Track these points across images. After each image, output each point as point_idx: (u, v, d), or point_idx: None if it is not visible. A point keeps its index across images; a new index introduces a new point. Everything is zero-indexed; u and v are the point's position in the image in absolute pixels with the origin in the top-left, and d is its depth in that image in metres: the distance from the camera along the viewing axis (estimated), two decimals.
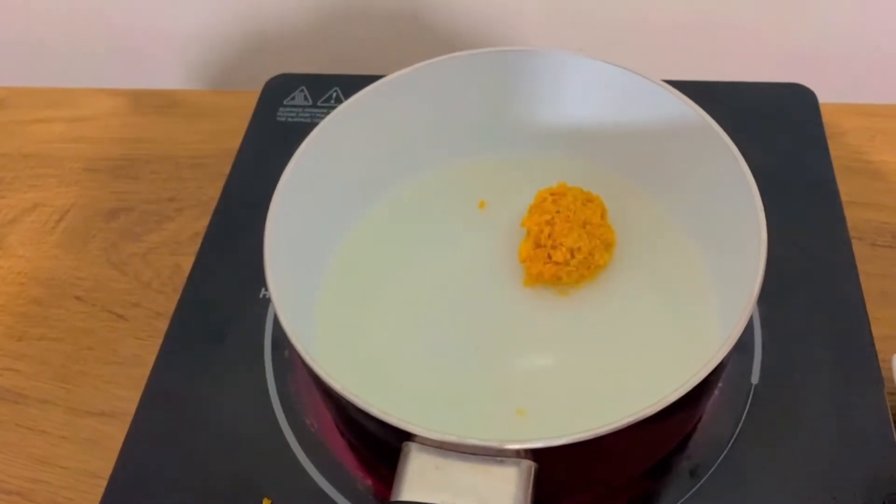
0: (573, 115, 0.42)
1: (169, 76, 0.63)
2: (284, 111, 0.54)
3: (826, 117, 0.51)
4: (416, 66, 0.40)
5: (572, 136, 0.43)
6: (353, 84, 0.54)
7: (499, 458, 0.28)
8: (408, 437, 0.28)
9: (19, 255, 0.53)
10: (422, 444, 0.28)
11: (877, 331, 0.41)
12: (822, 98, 0.52)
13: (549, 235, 0.39)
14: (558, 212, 0.40)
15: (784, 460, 0.36)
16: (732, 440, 0.37)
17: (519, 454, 0.28)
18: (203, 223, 0.53)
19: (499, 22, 0.57)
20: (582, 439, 0.27)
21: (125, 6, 0.59)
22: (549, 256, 0.39)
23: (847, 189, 0.50)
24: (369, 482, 0.37)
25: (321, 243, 0.41)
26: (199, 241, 0.49)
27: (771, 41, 0.55)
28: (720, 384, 0.38)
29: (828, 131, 0.50)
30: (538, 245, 0.40)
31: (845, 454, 0.36)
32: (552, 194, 0.41)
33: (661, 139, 0.40)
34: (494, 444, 0.28)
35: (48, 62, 0.65)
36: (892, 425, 0.37)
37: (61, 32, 0.62)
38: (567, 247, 0.39)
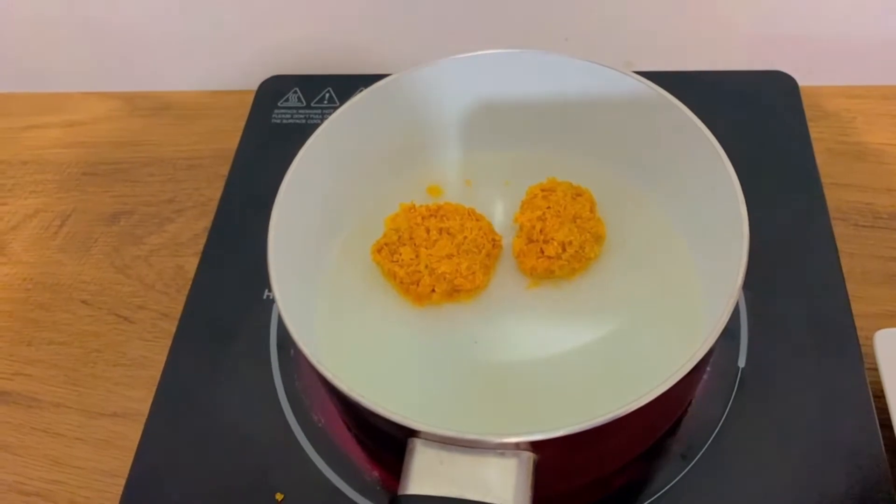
0: (559, 110, 0.43)
1: (158, 78, 0.64)
2: (279, 113, 0.55)
3: (808, 100, 0.53)
4: (408, 70, 0.42)
5: (560, 130, 0.44)
6: (345, 84, 0.56)
7: (500, 451, 0.30)
8: (412, 433, 0.30)
9: (24, 261, 0.54)
10: (426, 439, 0.30)
11: (859, 309, 0.42)
12: (804, 81, 0.53)
13: (541, 231, 0.41)
14: (549, 207, 0.41)
15: (771, 440, 0.38)
16: (721, 422, 0.38)
17: (519, 446, 0.30)
18: (202, 224, 0.54)
19: (487, 20, 0.58)
20: (578, 430, 0.29)
21: (113, 9, 0.60)
22: (542, 251, 0.40)
23: (829, 171, 0.51)
24: (377, 474, 0.38)
25: (322, 244, 0.42)
26: (200, 241, 0.50)
27: (751, 27, 0.56)
28: (708, 369, 0.39)
29: (810, 114, 0.52)
30: (530, 240, 0.41)
31: (828, 432, 0.37)
32: (543, 190, 0.43)
33: (642, 132, 0.41)
34: (495, 438, 0.29)
35: (35, 67, 0.65)
36: (873, 402, 0.38)
37: (49, 36, 0.62)
38: (558, 241, 0.40)
